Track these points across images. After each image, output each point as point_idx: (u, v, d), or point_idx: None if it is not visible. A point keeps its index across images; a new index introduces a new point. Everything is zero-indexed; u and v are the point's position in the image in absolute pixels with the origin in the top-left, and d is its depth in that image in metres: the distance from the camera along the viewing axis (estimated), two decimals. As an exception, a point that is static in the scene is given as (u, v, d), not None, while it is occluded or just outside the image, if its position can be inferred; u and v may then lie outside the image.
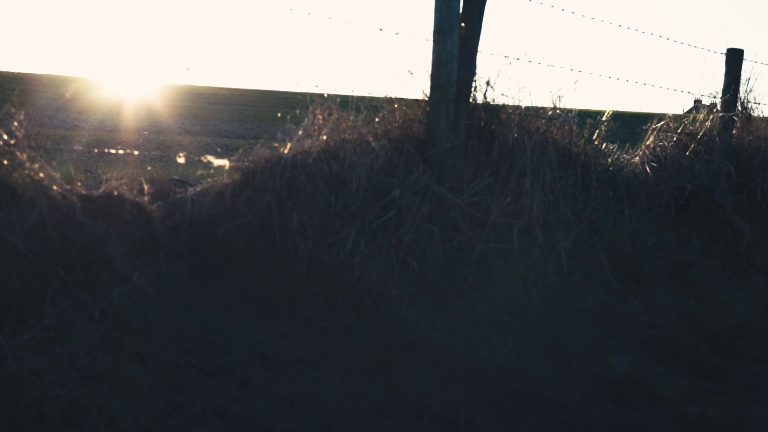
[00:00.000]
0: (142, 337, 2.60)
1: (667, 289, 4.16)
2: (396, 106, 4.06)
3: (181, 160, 3.26)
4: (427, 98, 4.05)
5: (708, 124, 5.49)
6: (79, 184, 3.11)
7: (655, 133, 5.26)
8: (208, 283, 3.17)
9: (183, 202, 3.51)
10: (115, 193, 3.10)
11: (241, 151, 3.49)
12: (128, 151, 5.35)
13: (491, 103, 4.20)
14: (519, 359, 3.13)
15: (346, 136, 3.66)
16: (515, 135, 4.18)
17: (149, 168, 4.32)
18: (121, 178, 3.27)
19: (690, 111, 5.91)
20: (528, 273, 3.79)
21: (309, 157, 3.48)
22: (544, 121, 4.40)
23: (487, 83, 4.20)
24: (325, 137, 3.54)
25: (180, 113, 19.34)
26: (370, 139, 3.78)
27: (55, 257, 2.65)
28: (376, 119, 4.00)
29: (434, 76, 4.00)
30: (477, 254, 3.67)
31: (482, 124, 4.19)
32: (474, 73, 4.14)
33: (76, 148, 9.24)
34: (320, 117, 3.64)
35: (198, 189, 3.60)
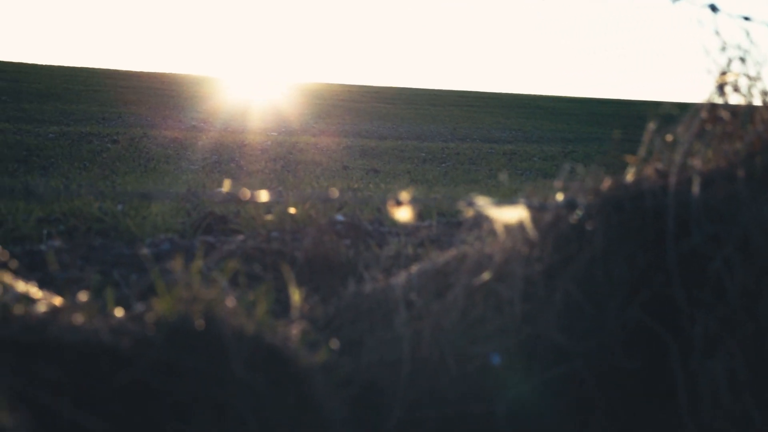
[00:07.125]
0: None
1: None
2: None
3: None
4: None
5: None
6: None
7: None
8: None
9: (384, 306, 1.36)
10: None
11: (562, 181, 1.27)
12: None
13: None
14: None
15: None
16: None
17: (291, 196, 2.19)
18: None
19: None
20: None
21: (731, 188, 1.24)
22: None
23: None
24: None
25: (311, 112, 17.47)
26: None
27: None
28: None
29: None
30: None
31: None
32: None
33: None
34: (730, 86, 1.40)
35: (418, 268, 1.43)
